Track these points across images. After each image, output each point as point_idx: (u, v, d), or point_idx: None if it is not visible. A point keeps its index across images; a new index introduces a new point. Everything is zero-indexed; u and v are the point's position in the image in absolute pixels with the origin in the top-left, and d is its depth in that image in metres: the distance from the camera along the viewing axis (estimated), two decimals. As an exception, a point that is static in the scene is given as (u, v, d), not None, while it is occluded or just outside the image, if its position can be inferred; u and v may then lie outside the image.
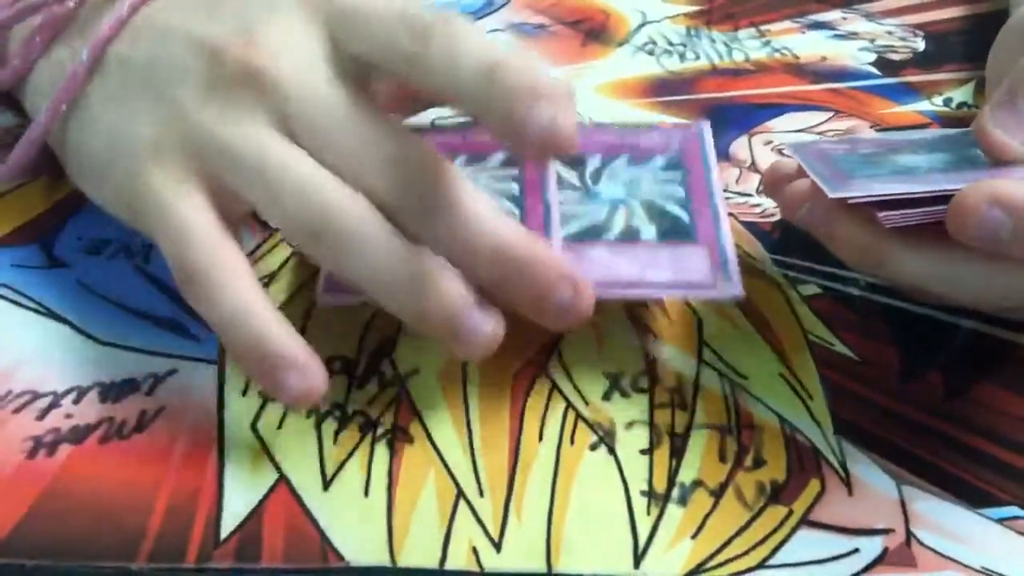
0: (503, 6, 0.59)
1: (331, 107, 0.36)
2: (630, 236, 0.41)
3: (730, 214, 0.46)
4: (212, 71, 0.37)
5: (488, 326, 0.35)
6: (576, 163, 0.44)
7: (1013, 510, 0.36)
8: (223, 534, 0.34)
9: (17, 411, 0.37)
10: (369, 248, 0.34)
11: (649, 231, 0.41)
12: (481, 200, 0.35)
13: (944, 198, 0.34)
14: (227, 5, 0.39)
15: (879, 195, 0.35)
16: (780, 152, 0.49)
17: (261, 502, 0.35)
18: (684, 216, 0.42)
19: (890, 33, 0.59)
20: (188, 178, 0.36)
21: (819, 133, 0.51)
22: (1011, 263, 0.34)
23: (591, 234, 0.41)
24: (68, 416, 0.37)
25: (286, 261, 0.43)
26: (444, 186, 0.35)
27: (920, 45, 0.58)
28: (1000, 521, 0.36)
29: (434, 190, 0.35)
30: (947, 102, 0.54)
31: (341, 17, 0.37)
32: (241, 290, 0.35)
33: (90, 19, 0.41)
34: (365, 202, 0.35)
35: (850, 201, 0.35)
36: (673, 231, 0.41)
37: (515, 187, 0.43)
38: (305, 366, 0.34)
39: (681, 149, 0.44)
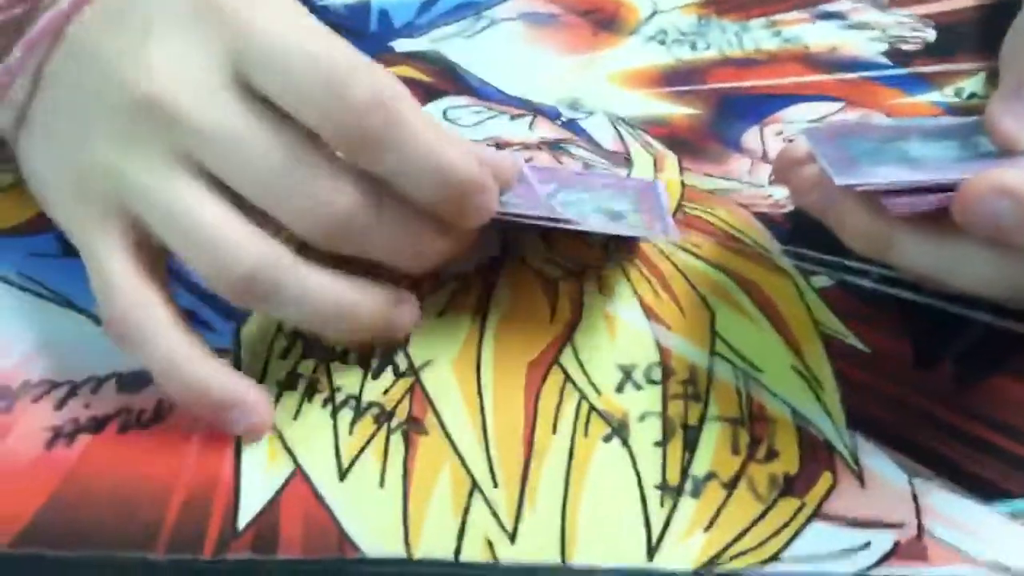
0: (513, -5, 0.59)
1: (233, 135, 0.35)
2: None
3: (742, 205, 0.47)
4: (115, 102, 0.36)
5: (408, 316, 0.39)
6: None
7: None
8: (240, 525, 0.34)
9: (35, 400, 0.37)
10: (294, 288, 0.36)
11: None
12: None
13: (951, 186, 0.34)
14: (133, 21, 0.37)
15: (885, 183, 0.35)
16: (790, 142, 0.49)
17: (278, 493, 0.35)
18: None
19: (901, 23, 0.58)
20: (107, 217, 0.37)
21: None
22: (1017, 252, 0.34)
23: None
24: (86, 406, 0.37)
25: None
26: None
27: (931, 35, 0.58)
28: (1012, 515, 0.36)
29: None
30: (958, 93, 0.54)
31: (248, 54, 0.36)
32: (167, 342, 0.36)
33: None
34: (273, 246, 0.36)
35: (857, 189, 0.35)
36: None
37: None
38: (245, 404, 0.36)
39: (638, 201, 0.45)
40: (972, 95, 0.54)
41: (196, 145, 0.35)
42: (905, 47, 0.57)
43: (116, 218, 0.36)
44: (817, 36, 0.57)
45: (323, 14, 0.56)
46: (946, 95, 0.53)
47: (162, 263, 0.38)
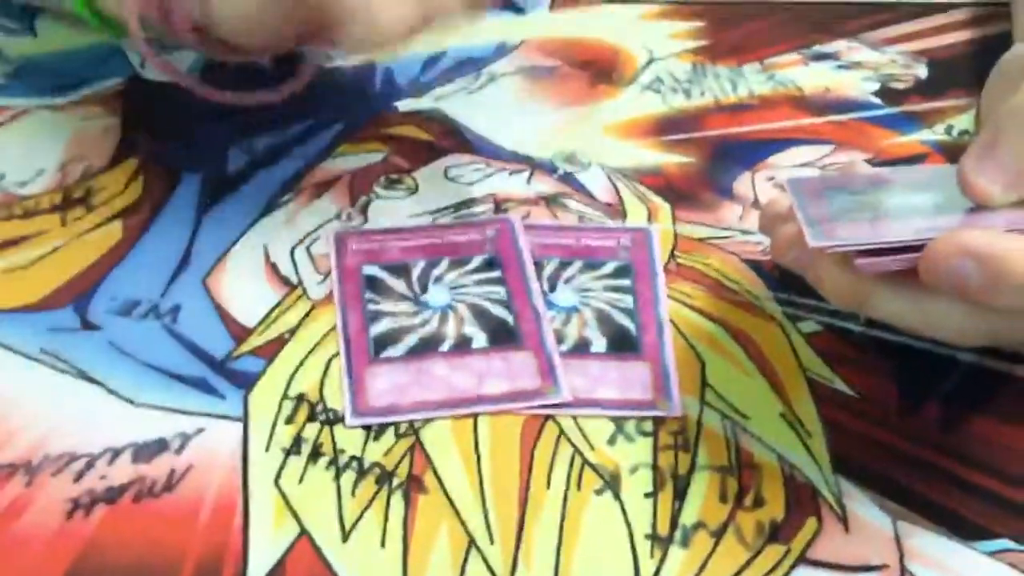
0: (515, 49, 0.61)
1: None
2: (583, 348, 0.44)
3: (733, 253, 0.48)
4: None
5: None
6: (535, 267, 0.47)
7: (1005, 543, 0.37)
8: (249, 588, 0.36)
9: (55, 474, 0.39)
10: None
11: (599, 343, 0.44)
12: None
13: (920, 246, 0.35)
14: None
15: (855, 245, 0.36)
16: (782, 188, 0.51)
17: (283, 557, 0.37)
18: (631, 327, 0.44)
19: (893, 61, 0.60)
20: None
21: (821, 167, 0.52)
22: (984, 308, 0.35)
23: None
24: (103, 477, 0.39)
25: (305, 315, 0.45)
26: None
27: (923, 72, 0.59)
28: (992, 554, 0.37)
29: None
30: (948, 130, 0.55)
31: None
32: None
33: None
34: None
35: (829, 251, 0.37)
36: (620, 344, 0.44)
37: (502, 291, 0.45)
38: None
39: (631, 256, 0.47)
40: (963, 132, 0.55)
41: None
42: (897, 85, 0.58)
43: None
44: (810, 78, 0.59)
45: (330, 75, 0.58)
46: (936, 133, 0.55)
47: None
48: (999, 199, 0.37)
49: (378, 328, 0.44)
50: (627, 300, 0.46)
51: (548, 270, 0.47)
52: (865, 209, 0.39)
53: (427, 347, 0.43)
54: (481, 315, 0.45)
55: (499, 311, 0.45)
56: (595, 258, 0.48)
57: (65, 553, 0.37)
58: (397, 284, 0.46)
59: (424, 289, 0.46)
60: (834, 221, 0.38)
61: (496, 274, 0.46)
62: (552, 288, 0.46)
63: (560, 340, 0.44)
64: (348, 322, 0.44)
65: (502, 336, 0.44)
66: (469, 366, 0.43)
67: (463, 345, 0.44)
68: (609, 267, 0.47)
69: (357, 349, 0.43)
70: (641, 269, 0.47)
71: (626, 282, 0.46)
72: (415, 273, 0.46)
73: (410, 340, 0.44)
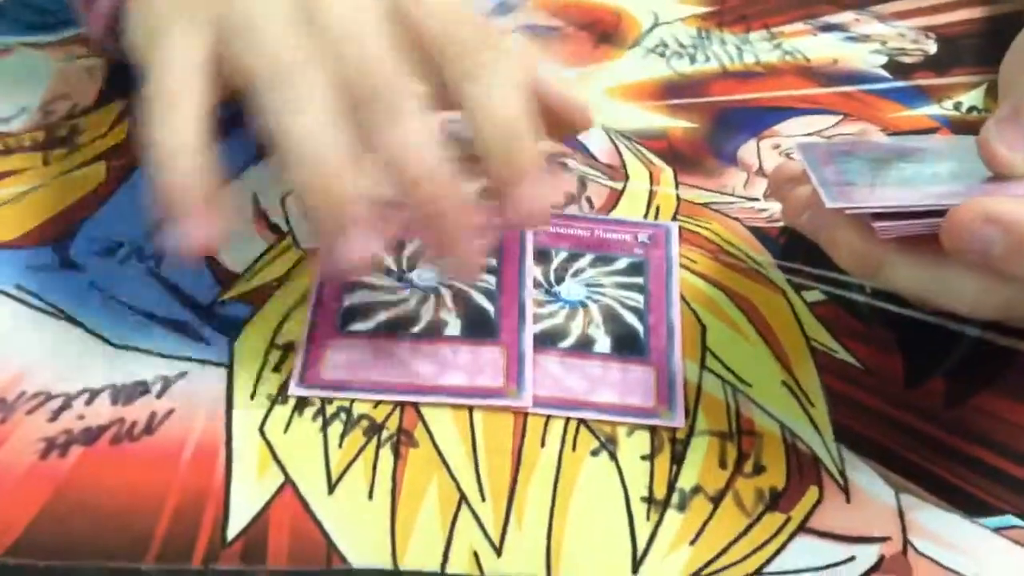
0: (516, 7, 0.59)
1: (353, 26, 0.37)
2: (584, 346, 0.41)
3: (736, 219, 0.47)
4: None
5: (357, 249, 0.36)
6: (542, 256, 0.45)
7: (1009, 519, 0.37)
8: (230, 536, 0.35)
9: (30, 412, 0.38)
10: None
11: (603, 342, 0.41)
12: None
13: (940, 212, 0.34)
14: None
15: (875, 207, 0.35)
16: (788, 156, 0.50)
17: (267, 505, 0.36)
18: (639, 328, 0.42)
19: (902, 36, 0.59)
20: (195, 25, 0.38)
21: (828, 137, 0.51)
22: (1004, 278, 0.34)
23: (547, 340, 0.41)
24: (80, 417, 0.38)
25: (295, 264, 0.44)
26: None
27: (932, 48, 0.58)
28: (996, 530, 0.36)
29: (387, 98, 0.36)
30: (957, 106, 0.54)
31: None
32: (185, 123, 0.37)
33: None
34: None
35: (847, 212, 0.35)
36: (626, 345, 0.41)
37: (492, 280, 0.43)
38: (197, 219, 0.36)
39: (646, 253, 0.45)
40: (972, 108, 0.54)
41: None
42: (905, 60, 0.57)
43: (205, 26, 0.38)
44: (818, 48, 0.58)
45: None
46: (945, 108, 0.54)
47: (221, 85, 0.38)
48: (1021, 168, 0.36)
49: (352, 299, 0.42)
50: (638, 299, 0.43)
51: (556, 261, 0.45)
52: (880, 174, 0.38)
53: (397, 327, 0.41)
54: (462, 302, 0.42)
55: (482, 301, 0.43)
56: (608, 252, 0.45)
57: (39, 493, 0.35)
58: (386, 257, 0.44)
59: (413, 267, 0.44)
60: (849, 185, 0.37)
61: (492, 263, 0.44)
62: (559, 280, 0.44)
63: (563, 336, 0.42)
64: (324, 288, 0.43)
65: (478, 327, 0.41)
66: (434, 353, 0.40)
67: (435, 330, 0.41)
68: (622, 263, 0.45)
69: (324, 318, 0.41)
70: (656, 267, 0.45)
71: (639, 280, 0.44)
72: (409, 249, 0.44)
73: (381, 316, 0.42)
